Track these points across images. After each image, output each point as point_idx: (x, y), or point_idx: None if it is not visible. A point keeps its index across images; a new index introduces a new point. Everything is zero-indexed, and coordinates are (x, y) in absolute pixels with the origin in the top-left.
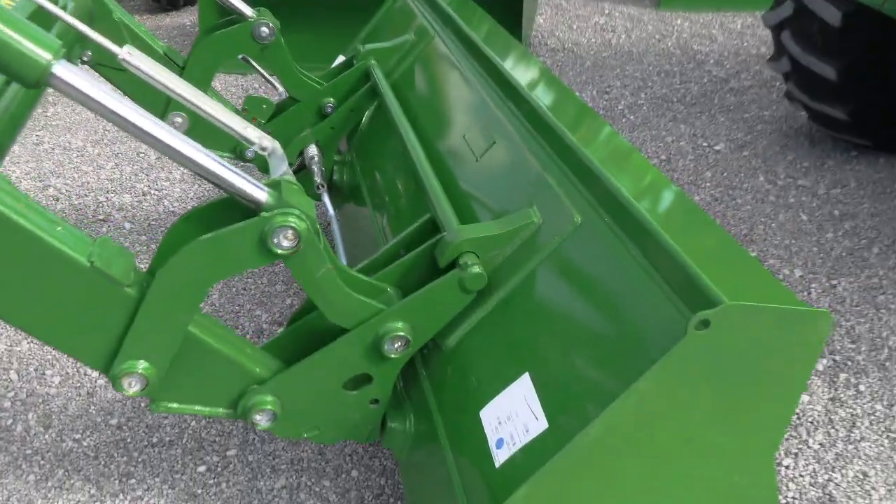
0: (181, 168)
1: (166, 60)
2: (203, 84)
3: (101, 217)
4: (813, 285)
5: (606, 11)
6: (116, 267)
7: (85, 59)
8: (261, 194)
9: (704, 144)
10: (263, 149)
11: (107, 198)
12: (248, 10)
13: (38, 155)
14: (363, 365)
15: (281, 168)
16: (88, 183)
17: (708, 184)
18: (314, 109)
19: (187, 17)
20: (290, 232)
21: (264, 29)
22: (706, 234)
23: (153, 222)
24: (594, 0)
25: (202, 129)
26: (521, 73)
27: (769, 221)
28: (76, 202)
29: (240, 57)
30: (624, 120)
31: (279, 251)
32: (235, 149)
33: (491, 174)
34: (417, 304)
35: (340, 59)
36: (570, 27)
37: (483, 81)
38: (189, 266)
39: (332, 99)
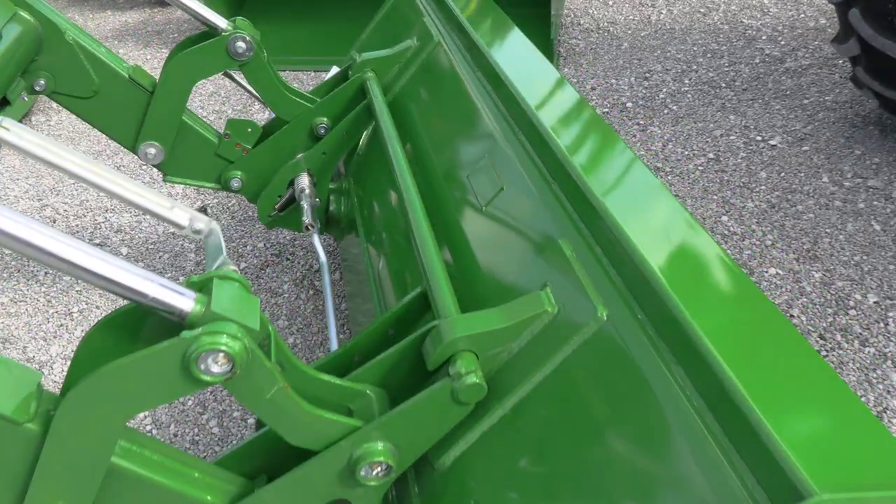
0: (182, 185)
1: (132, 84)
2: (177, 110)
3: (97, 241)
4: (890, 314)
5: None
6: (10, 400)
7: (38, 87)
8: (185, 302)
9: (758, 138)
10: (197, 231)
11: (105, 218)
12: (221, 23)
13: (37, 171)
14: (337, 491)
15: (217, 258)
16: (87, 201)
17: (763, 186)
18: (305, 131)
19: None
20: (221, 356)
21: (241, 44)
22: (787, 361)
23: (151, 246)
24: None
25: (181, 158)
26: (537, 95)
27: (836, 232)
28: (73, 223)
29: (221, 74)
30: (666, 111)
31: (208, 378)
32: (220, 177)
33: (497, 231)
34: (400, 421)
35: (334, 70)
36: (606, 4)
37: (491, 104)
38: (96, 399)
39: (325, 119)
